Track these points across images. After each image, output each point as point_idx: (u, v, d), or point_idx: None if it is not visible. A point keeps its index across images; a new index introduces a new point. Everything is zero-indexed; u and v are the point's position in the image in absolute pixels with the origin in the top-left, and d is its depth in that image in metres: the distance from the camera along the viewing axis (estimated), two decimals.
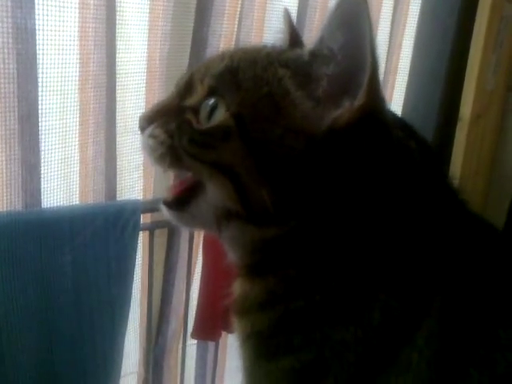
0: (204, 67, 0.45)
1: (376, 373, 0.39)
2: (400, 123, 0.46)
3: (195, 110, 0.44)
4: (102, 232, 0.83)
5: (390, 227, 0.41)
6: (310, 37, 0.59)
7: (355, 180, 0.41)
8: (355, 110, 0.39)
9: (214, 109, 0.42)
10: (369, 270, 0.40)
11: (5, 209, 0.75)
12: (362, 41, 0.37)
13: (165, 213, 0.48)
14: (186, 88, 0.46)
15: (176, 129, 0.44)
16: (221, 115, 0.42)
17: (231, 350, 1.15)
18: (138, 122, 0.47)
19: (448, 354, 0.37)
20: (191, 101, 0.45)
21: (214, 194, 0.43)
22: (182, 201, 0.46)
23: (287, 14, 0.54)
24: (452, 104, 0.85)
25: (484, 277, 0.40)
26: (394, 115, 0.46)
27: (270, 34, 0.84)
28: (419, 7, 0.89)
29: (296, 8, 0.87)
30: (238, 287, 0.48)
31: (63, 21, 0.73)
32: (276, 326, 0.43)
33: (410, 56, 1.00)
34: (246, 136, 0.41)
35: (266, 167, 0.40)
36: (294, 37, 0.51)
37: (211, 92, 0.43)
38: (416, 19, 0.86)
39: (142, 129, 0.47)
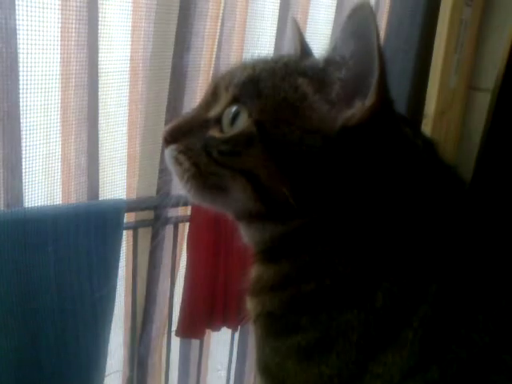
0: (228, 76, 0.48)
1: (376, 351, 0.42)
2: (407, 122, 0.50)
3: (218, 120, 0.47)
4: (85, 231, 0.83)
5: (396, 220, 0.45)
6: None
7: (367, 175, 0.44)
8: (366, 109, 0.43)
9: (236, 116, 0.45)
10: (376, 259, 0.44)
11: None
12: (371, 47, 0.41)
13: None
14: (213, 97, 0.49)
15: (202, 150, 0.46)
16: (243, 122, 0.45)
17: (215, 347, 1.16)
18: (162, 134, 0.49)
19: (437, 333, 0.42)
20: (216, 110, 0.48)
21: (236, 196, 0.46)
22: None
23: (295, 23, 0.57)
24: (418, 102, 0.91)
25: (474, 269, 0.44)
26: (401, 115, 0.50)
27: (251, 35, 0.88)
28: (387, 11, 0.95)
29: (277, 12, 0.90)
30: (253, 271, 0.51)
31: (45, 21, 0.73)
32: (285, 307, 0.46)
33: None
34: (267, 140, 0.44)
35: (286, 167, 0.44)
36: (304, 44, 0.54)
37: (234, 100, 0.46)
38: (384, 23, 0.93)
39: (167, 142, 0.49)
